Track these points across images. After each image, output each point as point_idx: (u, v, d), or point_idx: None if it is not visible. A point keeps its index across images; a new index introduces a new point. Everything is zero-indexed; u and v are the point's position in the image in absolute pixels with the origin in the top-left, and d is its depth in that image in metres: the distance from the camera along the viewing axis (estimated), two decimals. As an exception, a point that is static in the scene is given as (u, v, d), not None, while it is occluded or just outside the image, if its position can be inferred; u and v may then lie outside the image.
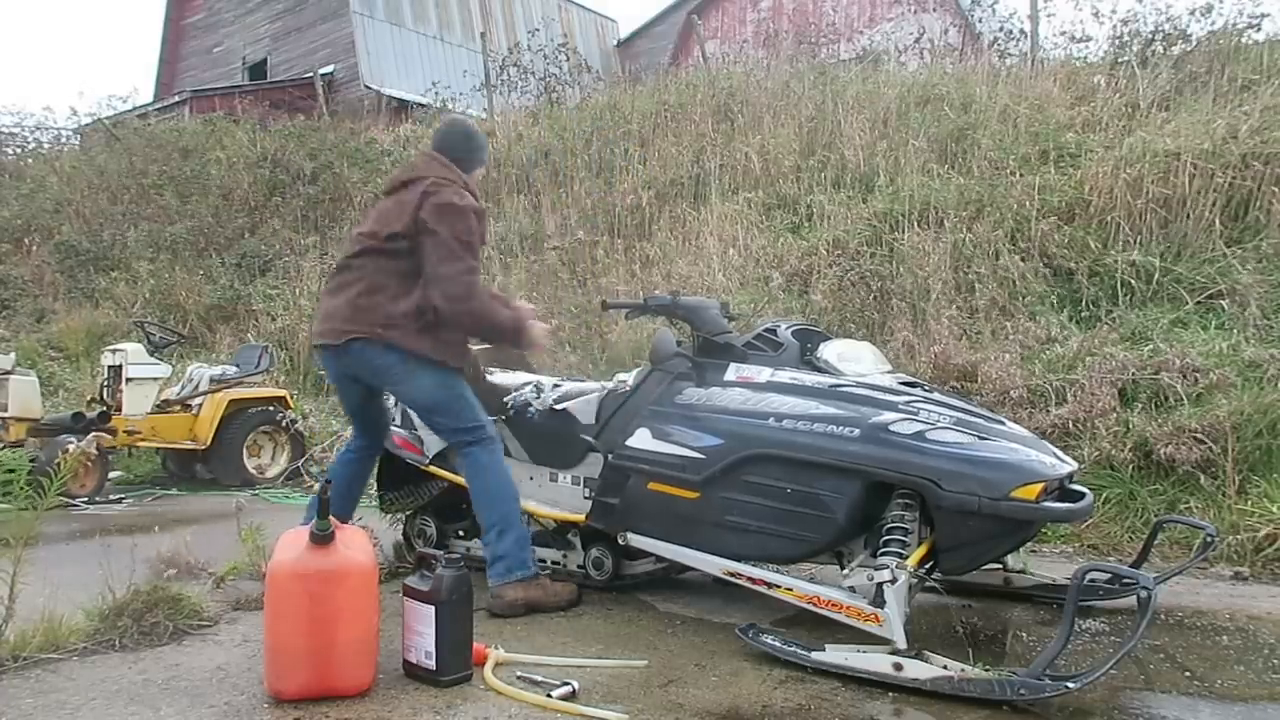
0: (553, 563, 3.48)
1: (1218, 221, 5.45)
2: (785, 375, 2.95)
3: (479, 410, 3.18)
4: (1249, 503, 3.90)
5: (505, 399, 3.51)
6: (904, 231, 6.21)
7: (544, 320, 3.42)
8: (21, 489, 2.75)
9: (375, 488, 3.88)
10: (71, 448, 5.31)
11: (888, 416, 2.66)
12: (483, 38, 13.74)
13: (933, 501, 2.53)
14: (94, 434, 5.71)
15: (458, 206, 3.02)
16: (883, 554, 2.53)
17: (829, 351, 3.06)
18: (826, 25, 12.83)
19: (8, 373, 5.98)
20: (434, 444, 3.58)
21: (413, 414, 3.55)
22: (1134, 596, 2.33)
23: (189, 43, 20.09)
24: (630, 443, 3.06)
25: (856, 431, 2.64)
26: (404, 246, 3.02)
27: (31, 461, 2.85)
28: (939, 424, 2.65)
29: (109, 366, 6.44)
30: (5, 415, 5.87)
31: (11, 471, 2.72)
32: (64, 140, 16.00)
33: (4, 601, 2.61)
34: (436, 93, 13.07)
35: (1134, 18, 7.48)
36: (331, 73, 16.52)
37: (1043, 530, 3.70)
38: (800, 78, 9.05)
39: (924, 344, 5.32)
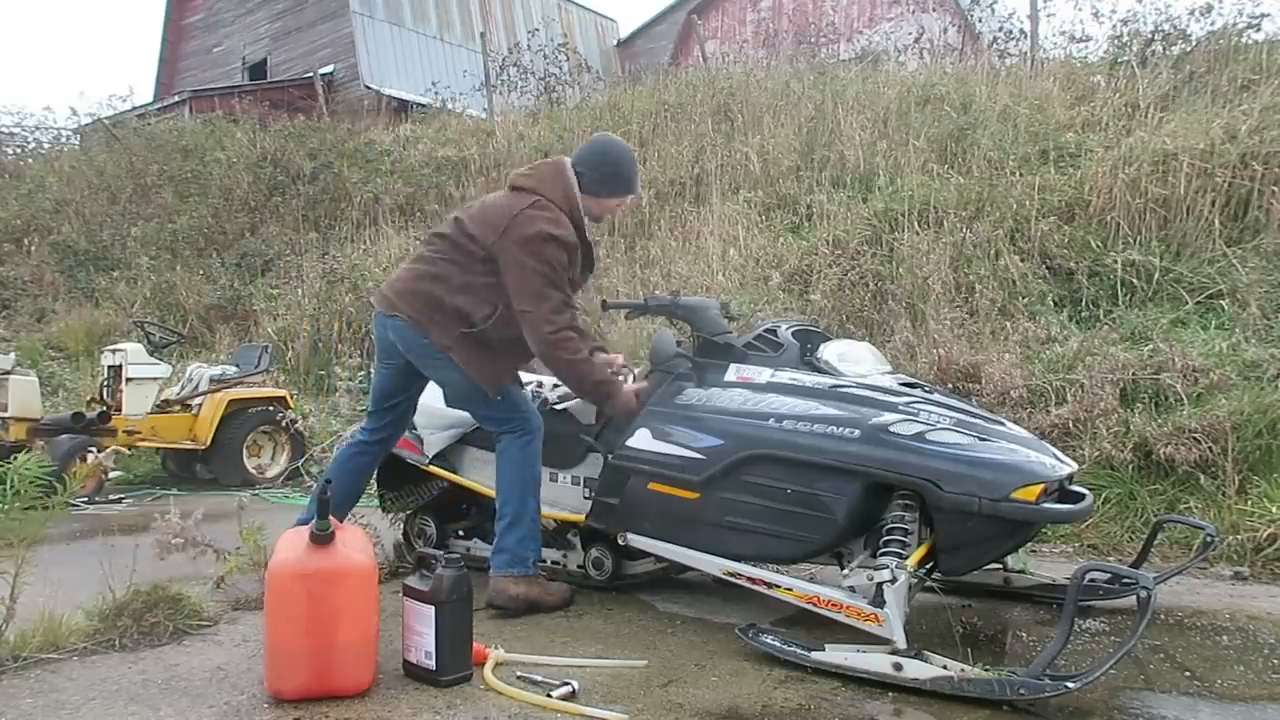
0: (553, 563, 3.48)
1: (1217, 221, 5.45)
2: (785, 376, 2.95)
3: (517, 400, 3.17)
4: (1249, 503, 3.90)
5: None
6: (904, 231, 6.21)
7: (628, 370, 3.34)
8: (35, 490, 2.74)
9: (375, 487, 3.87)
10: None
11: (888, 417, 2.66)
12: (483, 38, 13.75)
13: (933, 502, 2.53)
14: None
15: (547, 236, 2.93)
16: (883, 554, 2.53)
17: (829, 352, 3.06)
18: (826, 25, 12.80)
19: (8, 373, 5.99)
20: (434, 444, 3.59)
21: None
22: (1134, 596, 2.33)
23: (189, 43, 20.08)
24: (630, 443, 3.06)
25: (856, 432, 2.64)
26: (479, 252, 3.00)
27: (46, 468, 2.84)
28: (939, 425, 2.65)
29: (109, 366, 6.44)
30: (5, 415, 5.87)
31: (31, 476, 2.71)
32: (64, 140, 16.00)
33: (4, 602, 2.61)
34: (436, 93, 13.07)
35: (1134, 18, 7.50)
36: (331, 73, 16.50)
37: (1043, 530, 3.70)
38: (800, 78, 9.05)
39: (924, 344, 5.32)
